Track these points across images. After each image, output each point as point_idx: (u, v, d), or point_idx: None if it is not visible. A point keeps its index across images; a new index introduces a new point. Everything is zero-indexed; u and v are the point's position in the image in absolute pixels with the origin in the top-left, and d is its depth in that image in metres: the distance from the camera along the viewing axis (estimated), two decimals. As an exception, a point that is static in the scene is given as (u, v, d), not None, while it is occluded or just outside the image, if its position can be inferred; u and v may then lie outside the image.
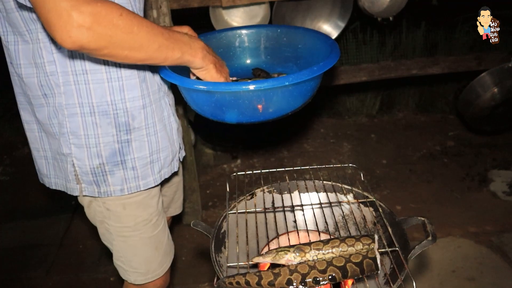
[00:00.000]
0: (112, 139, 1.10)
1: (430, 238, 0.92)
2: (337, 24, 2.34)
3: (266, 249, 1.04)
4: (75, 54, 1.02)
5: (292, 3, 2.25)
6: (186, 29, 1.29)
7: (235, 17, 2.28)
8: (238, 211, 1.09)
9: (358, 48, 3.29)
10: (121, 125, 1.10)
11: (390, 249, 0.91)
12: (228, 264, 0.94)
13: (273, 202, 1.15)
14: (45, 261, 2.41)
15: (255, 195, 1.17)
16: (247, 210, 1.09)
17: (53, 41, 1.00)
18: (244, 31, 1.48)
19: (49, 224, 2.66)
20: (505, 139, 3.18)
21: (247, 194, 1.15)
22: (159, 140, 1.19)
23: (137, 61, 0.93)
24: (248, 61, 1.49)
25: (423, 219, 0.97)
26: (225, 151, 3.19)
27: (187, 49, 0.99)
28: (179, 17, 2.07)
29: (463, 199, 2.70)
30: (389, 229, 0.95)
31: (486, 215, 2.54)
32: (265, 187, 1.19)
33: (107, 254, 2.38)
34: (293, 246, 0.93)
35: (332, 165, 1.24)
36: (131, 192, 1.16)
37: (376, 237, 0.90)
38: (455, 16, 3.28)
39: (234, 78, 1.38)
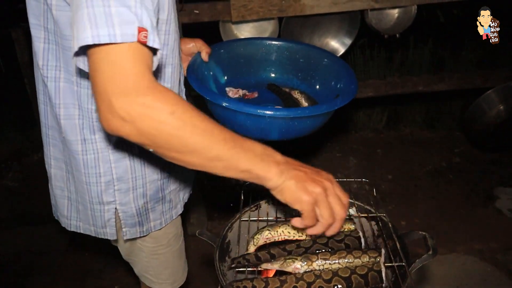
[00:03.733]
0: (156, 177, 1.10)
1: (430, 252, 0.93)
2: (344, 41, 2.38)
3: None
4: None
5: (301, 19, 2.29)
6: (199, 42, 1.31)
7: (244, 32, 2.33)
8: (243, 219, 1.11)
9: (366, 63, 3.32)
10: (165, 161, 1.11)
11: (396, 264, 0.93)
12: (236, 269, 0.96)
13: (276, 213, 1.17)
14: (51, 268, 2.44)
15: (260, 207, 1.19)
16: (254, 219, 1.11)
17: None
18: (248, 42, 1.55)
19: (56, 231, 2.69)
20: (511, 156, 3.18)
21: (252, 206, 1.17)
22: (187, 169, 1.21)
23: (189, 165, 0.80)
24: (254, 71, 1.54)
25: (424, 233, 0.99)
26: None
27: (258, 162, 0.80)
28: (189, 31, 2.11)
29: (468, 216, 2.69)
30: (398, 244, 0.97)
31: (491, 232, 2.53)
32: (270, 199, 1.21)
33: (112, 262, 2.42)
34: (301, 254, 0.95)
35: (344, 179, 1.24)
36: (167, 223, 1.19)
37: (383, 251, 0.92)
38: (462, 33, 3.30)
39: (245, 91, 1.42)
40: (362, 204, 1.14)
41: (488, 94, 2.44)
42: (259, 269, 0.96)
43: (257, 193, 1.21)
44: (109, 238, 1.14)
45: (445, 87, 2.36)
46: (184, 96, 1.21)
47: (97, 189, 1.05)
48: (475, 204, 2.79)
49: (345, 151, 3.42)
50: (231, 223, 1.10)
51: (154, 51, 0.77)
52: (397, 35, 2.28)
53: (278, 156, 0.83)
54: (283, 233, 1.01)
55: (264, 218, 1.13)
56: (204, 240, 1.07)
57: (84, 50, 0.74)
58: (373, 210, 1.12)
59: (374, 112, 3.64)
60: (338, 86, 1.31)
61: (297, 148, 3.42)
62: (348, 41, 2.38)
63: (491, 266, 2.29)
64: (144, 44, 0.73)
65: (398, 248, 0.97)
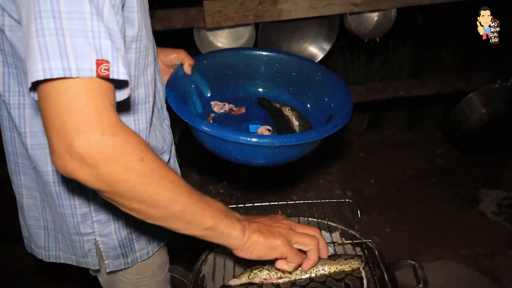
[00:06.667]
0: None
1: (421, 285, 0.86)
2: (323, 46, 2.31)
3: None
4: None
5: (278, 25, 2.21)
6: (182, 53, 1.21)
7: (220, 38, 2.24)
8: (218, 250, 1.03)
9: (345, 66, 3.26)
10: None
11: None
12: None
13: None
14: (22, 290, 2.31)
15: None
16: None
17: None
18: (235, 52, 1.44)
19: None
20: (494, 157, 3.16)
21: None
22: None
23: (147, 217, 0.71)
24: (243, 84, 1.44)
25: (413, 262, 0.92)
26: (211, 173, 3.12)
27: (222, 218, 0.75)
28: (162, 39, 2.01)
29: (453, 220, 2.66)
30: (386, 275, 0.89)
31: (476, 237, 2.51)
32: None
33: (87, 283, 2.30)
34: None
35: (327, 200, 1.17)
36: (155, 251, 1.10)
37: None
38: (441, 35, 3.28)
39: (231, 106, 1.33)
40: (346, 229, 1.07)
41: (470, 97, 2.39)
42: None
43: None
44: (91, 267, 1.05)
45: (427, 91, 2.31)
46: (165, 112, 1.12)
47: (73, 220, 0.96)
48: (459, 207, 2.76)
49: (327, 156, 3.36)
50: (206, 255, 1.02)
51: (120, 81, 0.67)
52: (377, 39, 2.21)
53: (237, 214, 0.81)
54: (283, 274, 0.91)
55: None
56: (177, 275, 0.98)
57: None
58: (358, 236, 1.04)
59: (355, 115, 3.59)
60: (332, 105, 1.23)
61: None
62: (327, 46, 2.31)
63: (477, 272, 2.26)
64: (106, 78, 0.63)
65: (386, 279, 0.90)
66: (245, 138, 0.96)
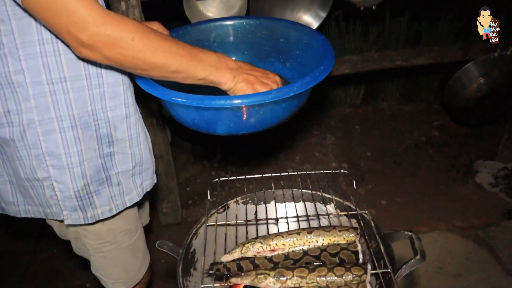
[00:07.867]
0: (94, 153, 1.00)
1: (418, 256, 0.84)
2: (318, 14, 2.24)
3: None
4: (50, 60, 0.89)
5: (271, -7, 2.14)
6: (156, 25, 1.18)
7: (211, 8, 2.16)
8: (209, 224, 0.99)
9: (341, 37, 3.18)
10: (103, 137, 1.00)
11: (381, 270, 0.83)
12: (202, 286, 0.85)
13: (246, 215, 1.06)
14: (17, 269, 2.30)
15: (228, 208, 1.07)
16: (219, 223, 1.00)
17: (22, 45, 0.87)
18: (219, 24, 1.36)
19: (22, 229, 2.53)
20: (490, 128, 3.13)
21: (219, 207, 1.05)
22: (142, 152, 1.10)
23: (154, 78, 0.92)
24: (228, 56, 1.36)
25: (410, 234, 0.89)
26: (204, 147, 3.08)
27: (212, 71, 0.92)
28: (150, 9, 1.94)
29: (449, 192, 2.65)
30: (382, 247, 0.86)
31: (472, 208, 2.50)
32: (239, 198, 1.09)
33: (84, 259, 2.29)
34: (274, 268, 0.85)
35: (322, 171, 1.14)
36: (119, 210, 1.07)
37: (369, 267, 0.81)
38: (439, 5, 3.19)
39: None
40: (341, 200, 1.03)
41: (468, 67, 2.33)
42: (229, 284, 0.85)
43: (223, 184, 1.09)
44: (57, 218, 1.04)
45: (425, 60, 2.26)
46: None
47: (30, 163, 0.96)
48: (455, 179, 2.75)
49: (322, 129, 3.32)
50: (196, 229, 0.99)
51: None
52: (373, 8, 2.14)
53: (230, 62, 0.95)
54: (277, 246, 0.89)
55: (233, 221, 1.01)
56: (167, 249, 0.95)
57: None
58: (353, 207, 1.01)
59: (351, 87, 3.53)
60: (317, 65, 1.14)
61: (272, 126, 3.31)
62: (323, 14, 2.24)
63: (473, 243, 2.26)
64: None
65: (382, 251, 0.87)
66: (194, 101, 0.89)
